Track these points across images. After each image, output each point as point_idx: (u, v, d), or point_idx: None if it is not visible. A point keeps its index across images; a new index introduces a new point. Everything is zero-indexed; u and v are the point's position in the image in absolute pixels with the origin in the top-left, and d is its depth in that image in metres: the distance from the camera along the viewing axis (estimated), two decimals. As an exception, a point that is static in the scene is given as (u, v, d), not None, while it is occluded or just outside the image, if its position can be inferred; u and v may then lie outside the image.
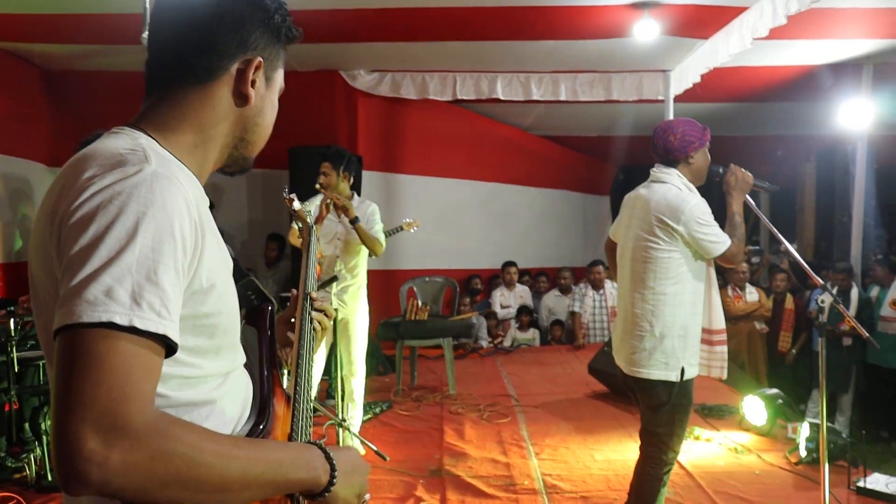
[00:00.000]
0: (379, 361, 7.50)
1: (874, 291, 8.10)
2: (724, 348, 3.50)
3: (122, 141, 1.13)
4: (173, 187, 1.06)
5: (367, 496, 1.33)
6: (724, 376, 3.55)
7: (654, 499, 3.44)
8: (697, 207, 3.20)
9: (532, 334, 8.90)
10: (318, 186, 4.86)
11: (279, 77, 1.36)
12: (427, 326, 6.52)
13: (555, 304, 9.33)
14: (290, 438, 1.34)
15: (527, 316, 8.92)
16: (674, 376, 3.27)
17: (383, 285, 8.48)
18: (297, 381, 1.44)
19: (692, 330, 3.32)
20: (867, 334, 3.43)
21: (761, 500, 4.21)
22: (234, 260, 1.42)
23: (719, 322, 3.50)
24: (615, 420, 5.77)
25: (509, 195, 10.55)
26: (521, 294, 9.32)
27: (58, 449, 0.91)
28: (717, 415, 5.78)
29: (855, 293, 7.80)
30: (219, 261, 1.18)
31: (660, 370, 3.28)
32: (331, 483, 1.17)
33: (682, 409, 3.33)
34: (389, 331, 6.50)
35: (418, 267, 8.70)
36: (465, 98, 8.42)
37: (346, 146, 7.85)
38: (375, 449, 3.34)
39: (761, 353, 8.40)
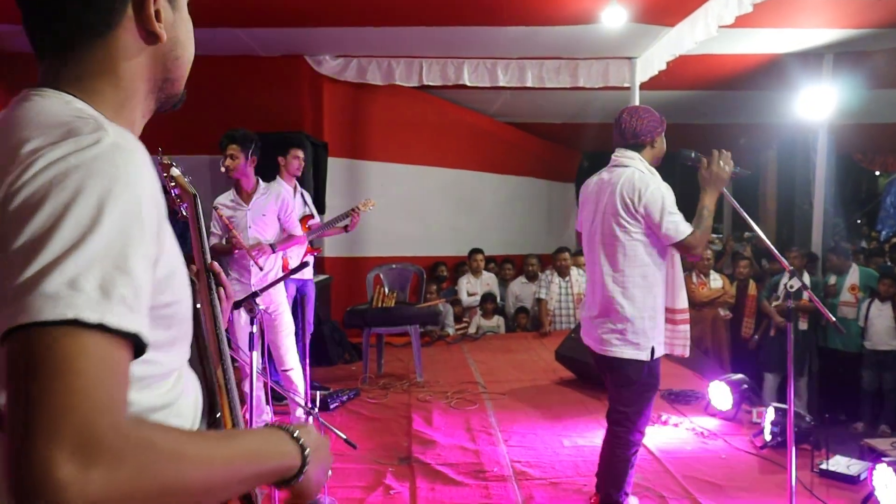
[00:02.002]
0: (345, 349, 7.46)
1: (832, 279, 8.23)
2: (687, 327, 3.58)
3: (58, 105, 0.98)
4: (137, 160, 0.92)
5: (329, 472, 1.24)
6: (687, 354, 3.63)
7: (625, 480, 3.51)
8: (658, 191, 3.29)
9: (497, 321, 8.91)
10: (223, 169, 4.77)
11: None
12: (394, 314, 6.48)
13: (521, 291, 9.34)
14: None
15: (491, 303, 8.91)
16: (644, 356, 3.37)
17: (349, 273, 8.44)
18: (224, 366, 1.36)
19: (661, 311, 3.42)
20: (833, 318, 3.47)
21: (728, 483, 4.25)
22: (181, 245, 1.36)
23: (683, 301, 3.59)
24: (583, 406, 5.79)
25: (476, 182, 10.54)
26: (487, 281, 9.32)
27: (21, 482, 0.74)
28: (684, 400, 5.84)
29: (806, 278, 7.93)
30: (174, 243, 1.04)
31: (631, 350, 3.37)
32: (304, 465, 1.07)
33: (651, 387, 3.45)
34: (356, 318, 6.46)
35: (385, 254, 8.66)
36: (431, 84, 8.37)
37: (312, 132, 7.78)
38: (345, 437, 3.33)
39: (725, 338, 8.51)
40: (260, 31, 7.32)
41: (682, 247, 3.31)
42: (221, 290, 1.52)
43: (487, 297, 8.96)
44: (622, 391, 3.46)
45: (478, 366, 7.11)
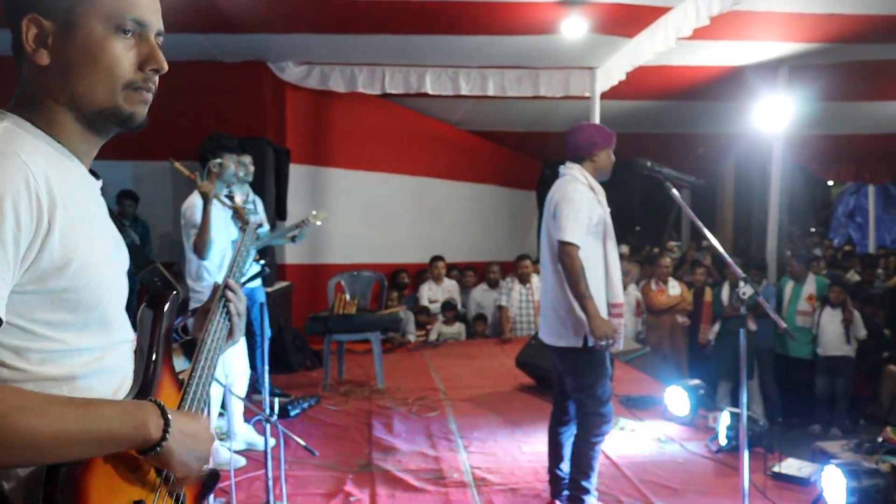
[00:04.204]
0: (307, 356, 7.44)
1: (789, 286, 8.39)
2: (622, 321, 3.85)
3: None
4: (9, 163, 1.09)
5: (206, 467, 1.35)
6: (621, 347, 4.07)
7: (591, 465, 3.75)
8: (575, 198, 3.66)
9: (458, 328, 8.95)
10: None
11: (91, 10, 1.22)
12: (355, 321, 6.49)
13: (483, 298, 9.39)
14: None
15: (451, 310, 8.95)
16: (582, 343, 3.66)
17: (311, 279, 8.42)
18: (195, 367, 1.44)
19: (599, 303, 3.66)
20: (784, 325, 3.56)
21: (684, 487, 4.33)
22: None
23: (618, 296, 3.85)
24: (542, 412, 5.81)
25: (438, 189, 10.57)
26: (448, 288, 9.35)
27: None
28: (642, 406, 5.92)
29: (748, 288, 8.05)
30: (82, 237, 1.18)
31: (571, 338, 3.69)
32: (163, 439, 1.17)
33: (597, 375, 3.72)
34: (317, 325, 6.45)
35: (346, 261, 8.65)
36: (393, 92, 8.39)
37: (274, 139, 7.76)
38: (304, 444, 3.34)
39: (683, 345, 8.63)
40: (222, 37, 7.29)
41: (561, 246, 3.60)
42: (231, 305, 1.61)
43: (447, 305, 8.99)
44: (574, 379, 3.76)
45: (439, 372, 7.14)
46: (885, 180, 14.88)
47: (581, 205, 3.63)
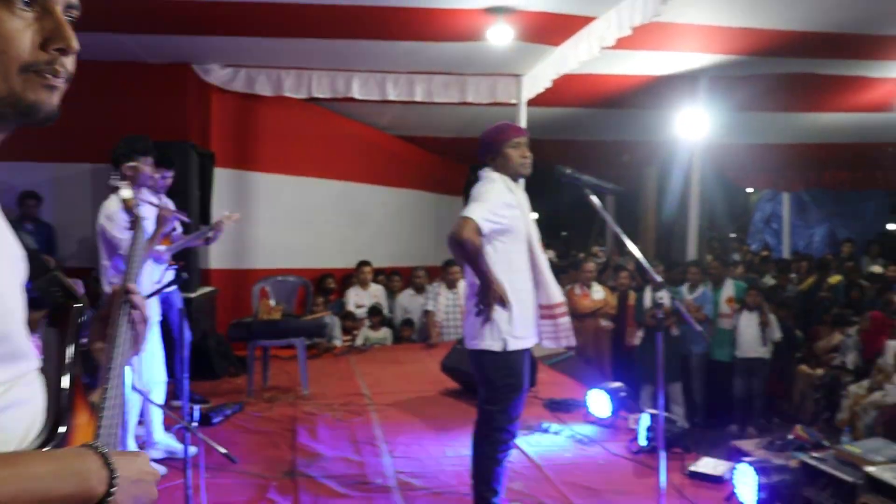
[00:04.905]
0: (231, 363, 7.34)
1: (699, 290, 8.59)
2: (567, 319, 3.86)
3: None
4: None
5: None
6: (573, 343, 3.91)
7: (491, 478, 3.66)
8: (490, 190, 3.60)
9: (384, 333, 8.94)
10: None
11: None
12: (279, 326, 6.43)
13: (409, 303, 9.41)
14: None
15: (377, 316, 8.94)
16: (497, 346, 3.58)
17: (236, 285, 8.31)
18: (107, 388, 1.28)
19: (516, 307, 3.59)
20: (699, 328, 3.69)
21: (605, 487, 4.42)
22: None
23: (556, 297, 3.83)
24: (467, 416, 5.83)
25: (364, 194, 10.55)
26: (375, 293, 9.34)
27: None
28: (565, 408, 6.00)
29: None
30: None
31: (485, 340, 3.60)
32: (108, 494, 1.00)
33: (510, 387, 3.64)
34: (241, 331, 6.38)
35: (272, 266, 8.56)
36: (320, 96, 8.37)
37: (199, 142, 7.64)
38: (224, 451, 3.30)
39: (607, 348, 8.78)
40: (146, 37, 7.15)
41: (458, 221, 3.48)
42: (137, 312, 1.43)
43: (374, 310, 8.98)
44: (486, 388, 3.68)
45: (364, 378, 7.12)
46: (799, 188, 15.43)
47: (489, 194, 3.57)
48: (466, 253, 3.46)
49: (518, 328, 3.63)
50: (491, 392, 3.66)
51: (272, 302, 6.58)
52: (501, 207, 3.57)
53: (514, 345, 3.63)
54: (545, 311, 3.80)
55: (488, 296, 3.48)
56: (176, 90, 7.97)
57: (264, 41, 7.32)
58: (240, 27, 6.94)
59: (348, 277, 9.70)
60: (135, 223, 1.90)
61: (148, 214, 5.01)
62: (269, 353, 6.82)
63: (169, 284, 3.69)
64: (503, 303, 3.51)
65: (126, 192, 2.43)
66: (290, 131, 9.19)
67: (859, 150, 12.51)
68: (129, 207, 2.36)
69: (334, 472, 4.61)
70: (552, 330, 3.83)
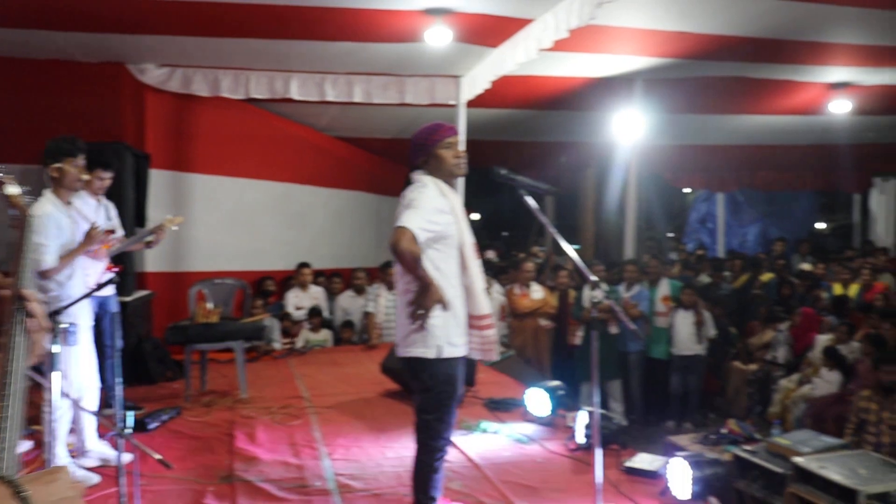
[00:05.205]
0: (168, 367, 7.22)
1: (643, 288, 8.75)
2: (493, 332, 3.77)
3: None
4: None
5: None
6: (496, 357, 3.91)
7: (429, 486, 3.64)
8: (422, 196, 3.44)
9: (325, 335, 8.89)
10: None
11: None
12: (217, 329, 6.35)
13: (349, 304, 9.37)
14: None
15: (317, 317, 8.89)
16: (431, 353, 3.49)
17: (172, 288, 8.18)
18: (4, 401, 1.23)
19: (450, 313, 3.52)
20: (633, 326, 3.75)
21: (543, 485, 4.48)
22: None
23: (484, 308, 3.74)
24: (407, 417, 5.82)
25: (304, 196, 10.47)
26: (315, 295, 9.29)
27: None
28: (504, 408, 6.05)
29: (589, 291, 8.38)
30: None
31: (418, 348, 3.50)
32: None
33: (447, 395, 3.57)
34: (177, 334, 6.28)
35: (210, 268, 8.45)
36: (258, 97, 8.30)
37: (134, 143, 7.49)
38: (158, 457, 3.25)
39: (546, 347, 8.86)
40: (79, 35, 6.99)
41: (395, 232, 3.31)
42: (33, 321, 1.36)
43: (313, 311, 8.93)
44: (422, 396, 3.60)
45: (304, 380, 7.08)
46: (733, 188, 15.79)
47: (422, 200, 3.43)
48: (406, 263, 3.33)
49: (453, 335, 3.55)
50: (427, 400, 3.58)
51: (209, 305, 6.49)
52: (434, 214, 3.43)
53: (450, 352, 3.54)
54: (473, 322, 3.72)
55: (427, 299, 3.38)
56: (110, 90, 7.82)
57: (201, 40, 7.24)
58: (176, 26, 6.84)
59: (288, 279, 9.63)
60: (20, 222, 1.80)
61: (90, 216, 4.93)
62: (206, 356, 6.73)
63: (103, 286, 3.61)
64: (443, 304, 3.45)
65: (12, 189, 2.26)
66: (227, 132, 9.08)
67: (789, 152, 12.87)
68: (14, 204, 2.20)
69: (273, 476, 4.57)
70: (479, 342, 3.75)
